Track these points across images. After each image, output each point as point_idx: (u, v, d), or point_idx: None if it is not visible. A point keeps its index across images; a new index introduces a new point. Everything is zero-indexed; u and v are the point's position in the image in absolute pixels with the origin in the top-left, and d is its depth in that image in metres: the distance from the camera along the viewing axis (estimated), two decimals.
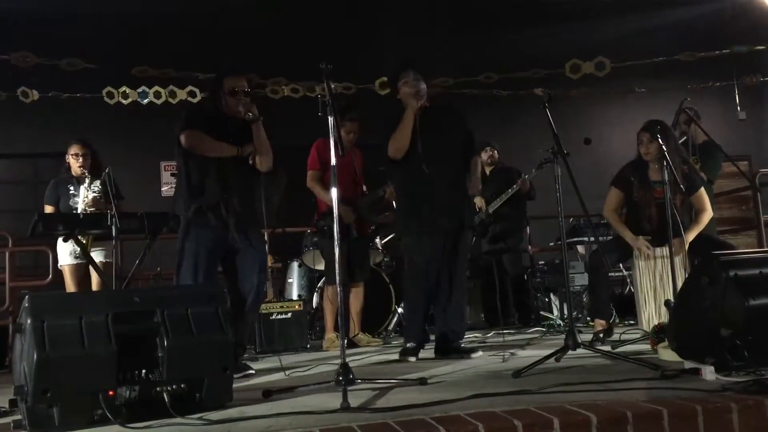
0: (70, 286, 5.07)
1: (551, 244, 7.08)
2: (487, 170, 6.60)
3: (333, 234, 3.00)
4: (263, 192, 3.76)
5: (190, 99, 7.89)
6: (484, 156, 6.55)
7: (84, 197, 5.00)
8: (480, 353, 4.02)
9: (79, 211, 4.94)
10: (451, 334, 4.12)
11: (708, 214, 4.42)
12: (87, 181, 5.01)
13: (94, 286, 5.02)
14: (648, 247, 4.31)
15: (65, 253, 5.06)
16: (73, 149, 5.13)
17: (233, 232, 3.68)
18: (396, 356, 4.12)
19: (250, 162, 3.78)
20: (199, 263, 3.64)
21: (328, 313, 5.25)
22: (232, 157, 3.71)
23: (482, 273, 6.57)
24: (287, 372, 3.65)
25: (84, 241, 4.65)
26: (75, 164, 5.10)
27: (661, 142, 3.94)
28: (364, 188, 5.49)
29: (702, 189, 4.47)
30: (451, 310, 4.13)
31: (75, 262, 5.03)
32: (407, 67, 4.21)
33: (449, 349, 4.10)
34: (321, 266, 5.71)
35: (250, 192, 3.84)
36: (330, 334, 5.21)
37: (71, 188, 5.10)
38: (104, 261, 4.95)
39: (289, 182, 5.63)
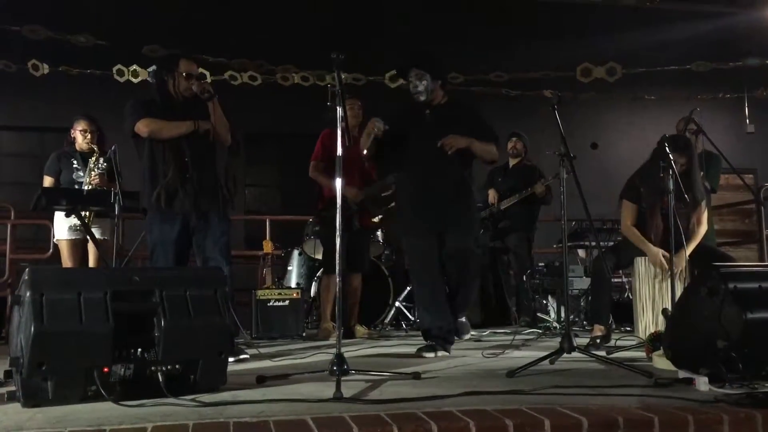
0: (67, 262, 5.05)
1: (554, 246, 7.07)
2: (511, 162, 6.45)
3: (334, 223, 3.00)
4: (217, 167, 3.80)
5: None
6: (508, 146, 6.38)
7: (91, 174, 4.99)
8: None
9: (83, 187, 4.93)
10: None
11: (703, 228, 4.40)
12: (94, 157, 5.01)
13: (92, 263, 5.02)
14: (666, 263, 4.13)
15: (64, 227, 5.03)
16: (81, 125, 5.11)
17: (193, 215, 3.78)
18: (390, 350, 4.13)
19: (211, 139, 3.82)
20: (168, 254, 3.78)
21: (325, 303, 5.27)
22: (188, 136, 3.77)
23: (481, 271, 6.52)
24: (277, 359, 3.66)
25: (87, 217, 4.66)
26: (81, 140, 5.10)
27: (673, 156, 3.91)
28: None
29: (703, 202, 4.45)
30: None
31: (73, 237, 5.02)
32: (411, 64, 4.02)
33: None
34: (321, 255, 5.72)
35: (210, 170, 3.85)
36: (326, 323, 5.22)
37: (75, 162, 5.09)
38: (100, 238, 4.94)
39: (294, 170, 5.63)
